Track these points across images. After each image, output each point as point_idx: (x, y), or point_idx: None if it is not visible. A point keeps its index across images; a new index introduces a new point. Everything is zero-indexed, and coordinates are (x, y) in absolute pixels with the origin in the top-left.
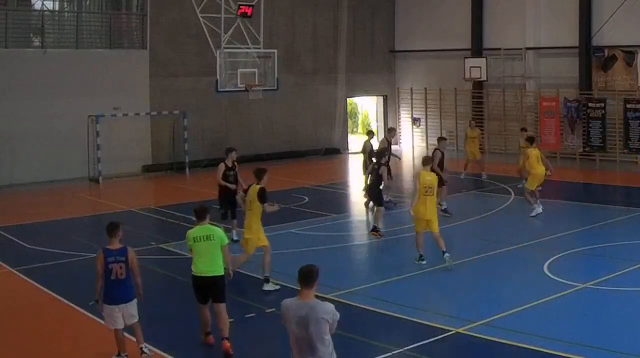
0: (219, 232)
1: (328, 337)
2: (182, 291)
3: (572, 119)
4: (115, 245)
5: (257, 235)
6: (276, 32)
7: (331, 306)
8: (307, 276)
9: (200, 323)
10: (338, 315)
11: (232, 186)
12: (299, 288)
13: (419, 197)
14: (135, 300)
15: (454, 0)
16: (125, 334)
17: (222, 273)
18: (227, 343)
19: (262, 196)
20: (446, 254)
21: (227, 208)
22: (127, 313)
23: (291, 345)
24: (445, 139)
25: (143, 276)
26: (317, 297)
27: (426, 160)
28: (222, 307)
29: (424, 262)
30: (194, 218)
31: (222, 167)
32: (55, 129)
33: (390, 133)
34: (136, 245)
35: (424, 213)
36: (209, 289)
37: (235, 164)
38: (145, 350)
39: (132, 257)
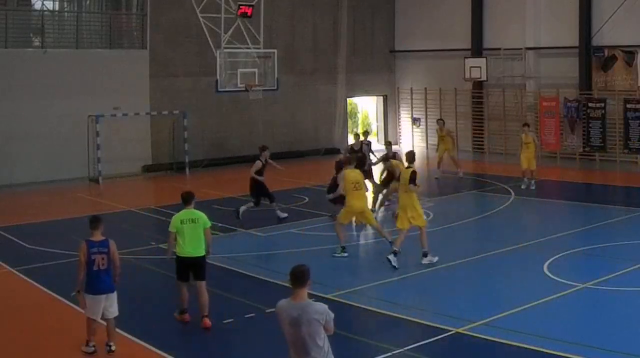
0: (202, 216)
1: (323, 337)
2: None
3: (572, 119)
4: (98, 237)
5: (411, 213)
6: (276, 32)
7: (323, 306)
8: (299, 276)
9: (179, 300)
10: (332, 314)
11: (262, 178)
12: (292, 289)
13: (349, 193)
14: (115, 293)
15: (454, 0)
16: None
17: (204, 254)
18: (207, 320)
19: (414, 178)
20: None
21: (260, 197)
22: (111, 304)
23: (288, 346)
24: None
25: (142, 276)
26: (317, 297)
27: (347, 161)
28: (203, 284)
29: (346, 254)
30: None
31: (259, 163)
32: (55, 129)
33: (359, 137)
34: (136, 245)
35: (357, 207)
36: (192, 268)
37: (267, 160)
38: (113, 348)
39: (114, 249)
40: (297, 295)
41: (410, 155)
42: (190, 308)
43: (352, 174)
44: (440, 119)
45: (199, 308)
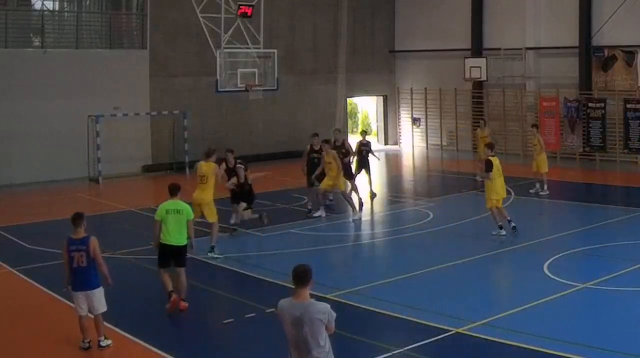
0: (187, 207)
1: (324, 337)
2: None
3: (572, 119)
4: (80, 234)
5: (501, 196)
6: (276, 32)
7: (326, 306)
8: (301, 275)
9: (163, 285)
10: (334, 314)
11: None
12: (294, 288)
13: (197, 185)
14: (100, 289)
15: (454, 0)
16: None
17: (186, 242)
18: (183, 303)
19: (489, 166)
20: (212, 252)
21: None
22: (92, 301)
23: (289, 345)
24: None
25: (142, 276)
26: (317, 297)
27: (208, 153)
28: (182, 270)
29: (220, 256)
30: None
31: (307, 149)
32: (55, 129)
33: (312, 138)
34: (136, 245)
35: (196, 198)
36: (174, 255)
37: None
38: (102, 343)
39: (94, 246)
40: (299, 295)
41: (491, 145)
42: (189, 308)
43: (204, 167)
44: (483, 119)
45: (177, 292)
